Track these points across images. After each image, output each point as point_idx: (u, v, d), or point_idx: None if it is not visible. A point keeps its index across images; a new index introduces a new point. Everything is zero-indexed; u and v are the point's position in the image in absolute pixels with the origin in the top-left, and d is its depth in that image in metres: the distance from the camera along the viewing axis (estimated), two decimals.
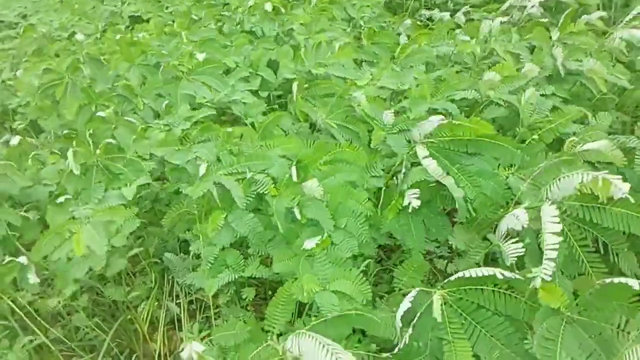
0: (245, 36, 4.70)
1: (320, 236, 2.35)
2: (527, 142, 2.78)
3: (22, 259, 2.50)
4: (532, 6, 4.54)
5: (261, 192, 2.56)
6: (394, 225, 2.63)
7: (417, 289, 2.00)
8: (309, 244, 2.30)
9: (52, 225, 2.54)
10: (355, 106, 3.35)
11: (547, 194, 2.25)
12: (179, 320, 2.98)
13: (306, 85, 3.73)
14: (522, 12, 4.64)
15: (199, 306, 3.08)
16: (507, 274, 1.86)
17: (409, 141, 2.86)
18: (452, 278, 1.96)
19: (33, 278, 2.49)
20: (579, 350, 1.74)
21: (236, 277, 2.52)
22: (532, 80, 3.47)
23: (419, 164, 2.62)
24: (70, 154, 2.78)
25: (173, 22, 5.42)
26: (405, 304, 1.95)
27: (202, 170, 2.63)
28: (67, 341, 2.86)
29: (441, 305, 1.92)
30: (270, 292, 2.99)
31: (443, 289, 2.01)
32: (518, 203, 2.45)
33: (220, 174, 2.63)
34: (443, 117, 2.54)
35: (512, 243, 2.13)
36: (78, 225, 2.45)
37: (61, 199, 2.65)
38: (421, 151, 2.52)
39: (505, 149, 2.55)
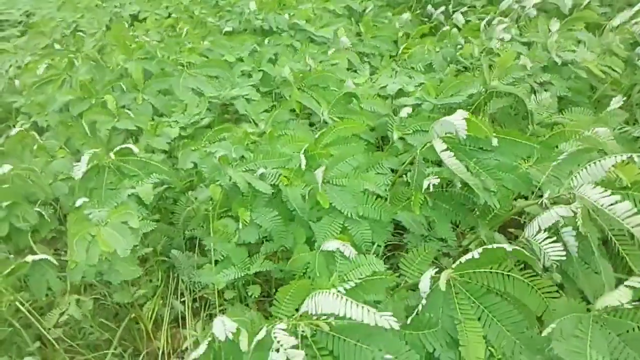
0: (251, 35, 4.52)
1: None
2: (546, 137, 2.66)
3: (45, 256, 2.39)
4: (530, 7, 4.38)
5: (274, 183, 2.55)
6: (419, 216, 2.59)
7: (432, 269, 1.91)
8: (332, 245, 2.16)
9: (71, 231, 2.37)
10: (356, 103, 3.27)
11: (574, 181, 2.11)
12: (183, 318, 2.83)
13: (301, 75, 3.65)
14: (521, 12, 4.47)
15: (202, 304, 2.92)
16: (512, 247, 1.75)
17: None
18: (462, 260, 1.85)
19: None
20: (609, 349, 1.62)
21: (242, 274, 2.43)
22: (528, 71, 3.42)
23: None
24: (84, 158, 2.62)
25: (172, 19, 5.21)
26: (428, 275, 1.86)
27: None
28: (68, 341, 2.70)
29: (449, 281, 1.84)
30: (274, 290, 2.83)
31: (452, 270, 1.90)
32: (539, 195, 2.33)
33: (239, 171, 2.59)
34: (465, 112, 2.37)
35: (550, 242, 1.97)
36: (97, 228, 2.32)
37: (79, 202, 2.51)
38: (439, 145, 2.37)
39: (524, 145, 2.44)
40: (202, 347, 1.70)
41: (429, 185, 2.45)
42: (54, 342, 2.57)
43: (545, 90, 3.41)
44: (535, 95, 3.19)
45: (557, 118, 3.00)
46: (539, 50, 3.65)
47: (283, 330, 1.61)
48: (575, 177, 2.10)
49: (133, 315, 2.83)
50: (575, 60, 3.46)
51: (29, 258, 2.39)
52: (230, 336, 1.61)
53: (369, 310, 1.52)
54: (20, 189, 2.74)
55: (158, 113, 3.55)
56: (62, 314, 2.49)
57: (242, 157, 2.75)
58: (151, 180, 2.68)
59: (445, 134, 2.40)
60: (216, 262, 2.56)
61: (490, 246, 1.76)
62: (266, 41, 4.41)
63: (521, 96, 3.16)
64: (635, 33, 3.63)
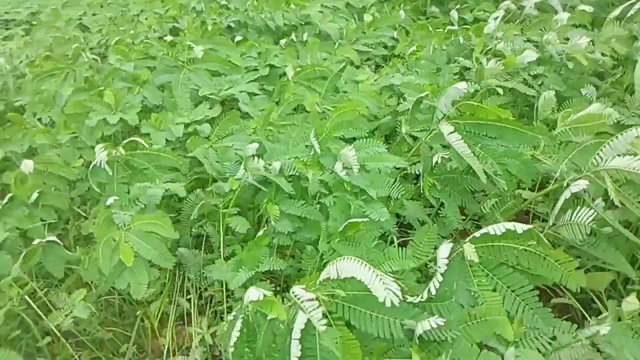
0: (258, 40, 4.32)
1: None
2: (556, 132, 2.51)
3: (54, 238, 2.33)
4: (530, 7, 4.21)
5: (293, 174, 2.50)
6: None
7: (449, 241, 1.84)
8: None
9: (99, 232, 2.25)
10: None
11: (597, 159, 2.01)
12: (188, 315, 2.69)
13: (299, 69, 3.53)
14: (521, 12, 4.29)
15: (208, 302, 2.77)
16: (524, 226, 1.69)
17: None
18: (477, 234, 1.79)
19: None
20: None
21: (253, 273, 2.30)
22: (523, 64, 3.28)
23: None
24: (101, 151, 2.49)
25: (174, 11, 4.96)
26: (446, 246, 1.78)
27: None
28: (79, 335, 2.57)
29: (463, 254, 1.77)
30: (281, 286, 2.68)
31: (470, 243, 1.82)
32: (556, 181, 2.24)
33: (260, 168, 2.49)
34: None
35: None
36: (120, 233, 2.20)
37: (109, 201, 2.36)
38: (446, 128, 2.27)
39: (529, 137, 2.32)
40: (238, 324, 1.64)
41: (437, 160, 2.40)
42: (60, 336, 2.43)
43: (540, 85, 3.27)
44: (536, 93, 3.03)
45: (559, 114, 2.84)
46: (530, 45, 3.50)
47: (302, 289, 1.56)
48: (599, 154, 1.99)
49: (138, 312, 2.68)
50: (564, 51, 3.32)
51: (37, 241, 2.32)
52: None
53: (380, 279, 1.47)
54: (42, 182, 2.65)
55: (156, 109, 3.36)
56: (67, 315, 2.34)
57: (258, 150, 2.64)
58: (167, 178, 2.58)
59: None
60: (225, 258, 2.46)
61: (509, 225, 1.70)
62: (283, 42, 4.24)
63: (524, 90, 3.02)
64: (634, 30, 3.45)
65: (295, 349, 1.48)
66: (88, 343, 2.59)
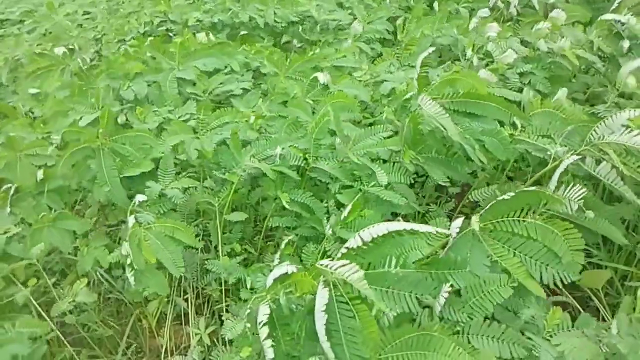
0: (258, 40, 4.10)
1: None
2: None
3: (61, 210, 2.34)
4: (514, 6, 4.06)
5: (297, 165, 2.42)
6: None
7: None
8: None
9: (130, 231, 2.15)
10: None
11: (593, 136, 1.99)
12: (186, 315, 2.54)
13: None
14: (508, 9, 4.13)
15: (205, 301, 2.63)
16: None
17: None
18: (487, 207, 1.74)
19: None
20: None
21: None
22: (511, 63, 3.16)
23: None
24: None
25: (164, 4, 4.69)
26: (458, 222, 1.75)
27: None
28: (81, 331, 2.45)
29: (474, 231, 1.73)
30: None
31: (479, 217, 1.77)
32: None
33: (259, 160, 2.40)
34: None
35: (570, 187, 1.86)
36: (141, 230, 2.12)
37: (140, 198, 2.24)
38: (424, 99, 2.23)
39: (505, 113, 2.29)
40: (264, 309, 1.52)
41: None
42: (59, 334, 2.28)
43: (527, 83, 3.14)
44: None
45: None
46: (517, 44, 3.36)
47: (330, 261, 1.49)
48: (595, 131, 1.97)
49: (137, 311, 2.54)
50: (552, 49, 3.19)
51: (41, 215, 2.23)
52: None
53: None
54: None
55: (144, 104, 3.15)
56: (70, 302, 2.21)
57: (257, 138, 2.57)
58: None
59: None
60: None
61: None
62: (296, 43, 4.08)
63: (513, 95, 2.88)
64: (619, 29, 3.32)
65: (322, 320, 1.39)
66: (88, 339, 2.45)
